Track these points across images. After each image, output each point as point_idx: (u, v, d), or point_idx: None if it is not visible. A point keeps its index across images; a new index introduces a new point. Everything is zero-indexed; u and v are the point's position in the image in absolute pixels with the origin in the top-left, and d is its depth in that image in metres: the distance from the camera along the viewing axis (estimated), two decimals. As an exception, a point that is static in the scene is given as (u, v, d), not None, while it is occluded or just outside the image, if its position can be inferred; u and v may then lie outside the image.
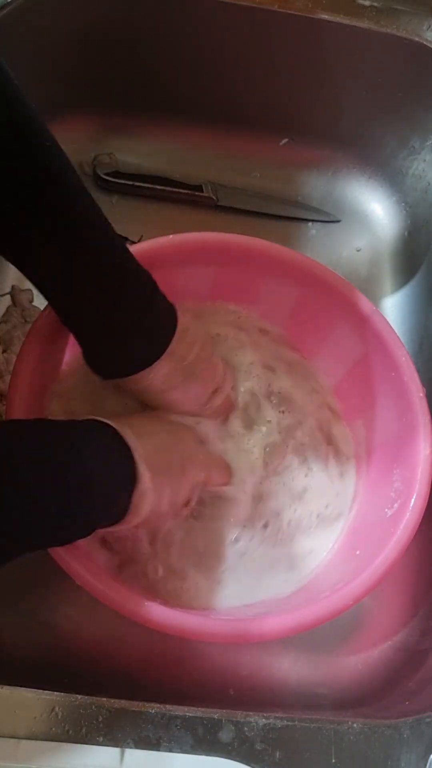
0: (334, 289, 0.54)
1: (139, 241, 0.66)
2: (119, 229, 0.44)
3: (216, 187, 0.73)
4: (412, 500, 0.47)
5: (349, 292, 0.53)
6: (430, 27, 0.64)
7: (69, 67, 0.68)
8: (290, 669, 0.54)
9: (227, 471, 0.53)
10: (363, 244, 0.74)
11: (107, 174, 0.70)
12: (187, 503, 0.49)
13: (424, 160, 0.71)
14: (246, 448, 0.55)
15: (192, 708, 0.42)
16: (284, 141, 0.75)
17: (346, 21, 0.63)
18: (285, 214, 0.74)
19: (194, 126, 0.74)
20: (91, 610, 0.54)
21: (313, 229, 0.74)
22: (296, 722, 0.42)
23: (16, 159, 0.38)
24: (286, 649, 0.55)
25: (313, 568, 0.53)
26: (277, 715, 0.42)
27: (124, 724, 0.41)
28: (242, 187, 0.74)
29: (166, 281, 0.47)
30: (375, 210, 0.75)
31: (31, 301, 0.65)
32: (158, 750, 0.40)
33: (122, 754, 0.40)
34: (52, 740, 0.40)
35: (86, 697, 0.41)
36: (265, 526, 0.53)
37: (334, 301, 0.54)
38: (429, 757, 0.42)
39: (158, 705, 0.41)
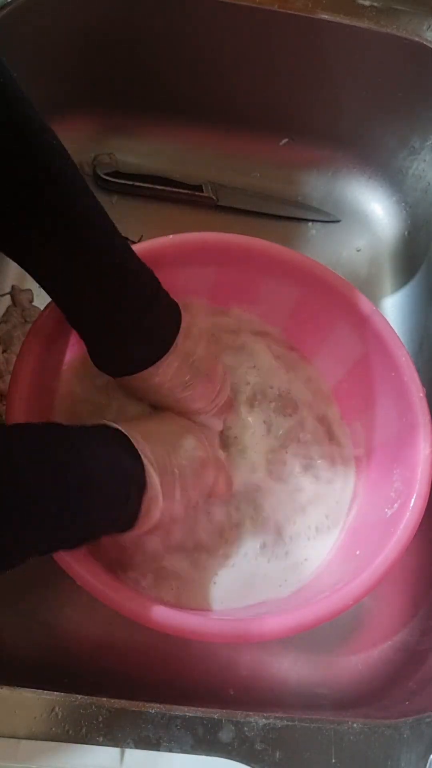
0: (334, 289, 0.54)
1: (139, 241, 0.66)
2: (119, 229, 0.44)
3: (216, 187, 0.73)
4: (412, 500, 0.47)
5: (349, 292, 0.53)
6: (430, 27, 0.64)
7: (69, 67, 0.68)
8: (290, 669, 0.54)
9: (230, 483, 0.53)
10: (363, 244, 0.74)
11: (107, 174, 0.70)
12: (195, 505, 0.49)
13: (424, 160, 0.71)
14: (247, 454, 0.55)
15: (192, 708, 0.42)
16: (284, 141, 0.75)
17: (346, 21, 0.63)
18: (285, 214, 0.74)
19: (194, 126, 0.74)
20: (91, 610, 0.54)
21: (313, 229, 0.74)
22: (296, 722, 0.42)
23: (16, 159, 0.38)
24: (286, 649, 0.55)
25: (312, 569, 0.53)
26: (277, 715, 0.42)
27: (124, 724, 0.41)
28: (242, 187, 0.74)
29: (166, 281, 0.47)
30: (375, 210, 0.75)
31: (31, 301, 0.65)
32: (158, 750, 0.40)
33: (122, 754, 0.40)
34: (52, 740, 0.40)
35: (86, 697, 0.41)
36: (264, 544, 0.53)
37: (334, 301, 0.54)
38: (429, 757, 0.42)
39: (158, 705, 0.41)
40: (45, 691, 0.41)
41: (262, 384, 0.58)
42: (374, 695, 0.53)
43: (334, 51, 0.66)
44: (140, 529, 0.43)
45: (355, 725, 0.42)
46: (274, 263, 0.54)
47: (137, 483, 0.42)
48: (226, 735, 0.41)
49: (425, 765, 0.41)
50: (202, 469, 0.48)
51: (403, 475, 0.50)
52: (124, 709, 0.41)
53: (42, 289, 0.66)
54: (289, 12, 0.62)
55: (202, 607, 0.50)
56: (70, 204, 0.41)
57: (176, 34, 0.66)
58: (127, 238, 0.45)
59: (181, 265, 0.53)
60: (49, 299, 0.50)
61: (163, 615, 0.42)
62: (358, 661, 0.56)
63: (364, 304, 0.53)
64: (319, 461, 0.57)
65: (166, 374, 0.47)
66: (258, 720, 0.42)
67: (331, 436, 0.58)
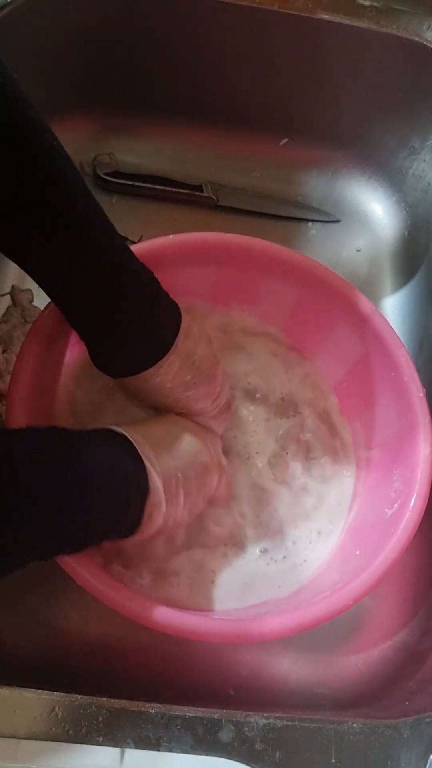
0: (334, 289, 0.54)
1: (139, 241, 0.66)
2: (119, 229, 0.44)
3: (216, 187, 0.73)
4: (412, 500, 0.47)
5: (349, 292, 0.53)
6: (430, 27, 0.64)
7: (69, 67, 0.68)
8: (290, 669, 0.54)
9: (230, 488, 0.53)
10: (363, 244, 0.74)
11: (107, 174, 0.70)
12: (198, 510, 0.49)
13: (424, 160, 0.71)
14: (249, 456, 0.55)
15: (192, 708, 0.42)
16: (284, 141, 0.75)
17: (346, 21, 0.63)
18: (285, 214, 0.74)
19: (194, 126, 0.74)
20: (91, 610, 0.54)
21: (313, 229, 0.74)
22: (296, 722, 0.42)
23: (16, 159, 0.38)
24: (286, 649, 0.55)
25: (312, 569, 0.53)
26: (277, 715, 0.42)
27: (124, 724, 0.41)
28: (242, 187, 0.74)
29: (166, 281, 0.47)
30: (375, 210, 0.75)
31: (31, 301, 0.65)
32: (158, 750, 0.40)
33: (122, 754, 0.40)
34: (52, 740, 0.40)
35: (86, 697, 0.41)
36: (265, 546, 0.53)
37: (334, 301, 0.54)
38: (429, 757, 0.42)
39: (158, 705, 0.41)
40: (45, 691, 0.41)
41: (262, 386, 0.58)
42: (374, 695, 0.53)
43: (334, 51, 0.66)
44: (142, 535, 0.43)
45: (355, 725, 0.42)
46: (274, 263, 0.54)
47: (139, 485, 0.42)
48: (226, 735, 0.41)
49: (425, 765, 0.41)
50: (205, 473, 0.47)
51: (403, 475, 0.50)
52: (124, 709, 0.41)
53: (42, 289, 0.67)
54: (289, 12, 0.62)
55: (202, 607, 0.50)
56: (70, 204, 0.41)
57: (176, 34, 0.66)
58: (126, 238, 0.45)
59: (181, 265, 0.53)
60: (49, 299, 0.50)
61: (162, 615, 0.42)
62: (358, 661, 0.56)
63: (364, 304, 0.53)
64: (320, 462, 0.57)
65: (167, 374, 0.47)
66: (258, 720, 0.42)
67: (332, 436, 0.58)
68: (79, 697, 0.41)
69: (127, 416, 0.53)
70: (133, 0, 0.63)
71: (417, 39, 0.63)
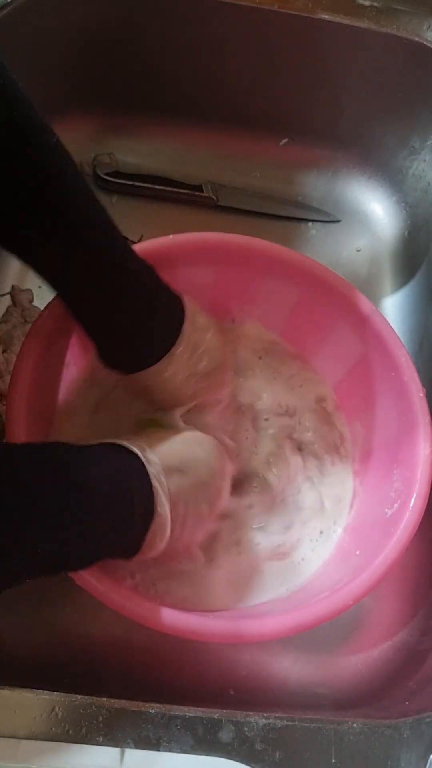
0: (334, 289, 0.54)
1: (139, 241, 0.66)
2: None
3: (216, 187, 0.73)
4: (412, 500, 0.47)
5: (349, 292, 0.53)
6: (430, 27, 0.64)
7: (69, 67, 0.68)
8: (290, 669, 0.54)
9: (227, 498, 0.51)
10: (363, 244, 0.74)
11: (107, 174, 0.70)
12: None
13: (424, 160, 0.71)
14: (250, 458, 0.56)
15: (192, 708, 0.42)
16: (284, 141, 0.75)
17: (346, 21, 0.63)
18: (285, 214, 0.74)
19: (194, 126, 0.74)
20: (91, 610, 0.54)
21: (313, 229, 0.74)
22: (296, 722, 0.42)
23: (16, 159, 0.38)
24: (286, 649, 0.55)
25: (312, 569, 0.53)
26: (277, 715, 0.42)
27: (124, 724, 0.41)
28: (242, 187, 0.74)
29: (166, 281, 0.47)
30: (375, 210, 0.75)
31: (31, 301, 0.65)
32: (158, 750, 0.40)
33: (122, 754, 0.40)
34: (52, 740, 0.40)
35: (86, 697, 0.41)
36: (265, 546, 0.53)
37: (334, 301, 0.54)
38: (429, 757, 0.42)
39: (158, 705, 0.41)
40: (45, 691, 0.41)
41: (261, 391, 0.58)
42: (374, 695, 0.53)
43: (334, 51, 0.66)
44: (144, 556, 0.43)
45: (355, 725, 0.42)
46: (274, 263, 0.54)
47: (145, 506, 0.41)
48: (226, 735, 0.41)
49: (425, 765, 0.41)
50: (218, 498, 0.47)
51: (403, 475, 0.50)
52: (124, 709, 0.41)
53: (42, 289, 0.67)
54: (289, 12, 0.62)
55: (202, 607, 0.50)
56: (69, 204, 0.41)
57: (176, 34, 0.66)
58: (126, 238, 0.45)
59: (181, 265, 0.53)
60: (49, 299, 0.50)
61: (162, 615, 0.42)
62: (358, 661, 0.56)
63: (364, 304, 0.53)
64: (320, 461, 0.57)
65: (179, 364, 0.47)
66: (258, 720, 0.42)
67: (332, 436, 0.58)
68: (79, 697, 0.41)
69: (130, 427, 0.53)
70: (133, 0, 0.63)
71: (417, 39, 0.63)
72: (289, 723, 0.42)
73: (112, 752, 0.40)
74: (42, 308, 0.50)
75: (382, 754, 0.41)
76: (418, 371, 0.51)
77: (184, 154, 0.74)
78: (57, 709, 0.41)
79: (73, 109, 0.71)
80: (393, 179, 0.74)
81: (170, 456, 0.44)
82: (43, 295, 0.65)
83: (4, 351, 0.60)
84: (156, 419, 0.51)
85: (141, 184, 0.71)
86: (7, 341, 0.61)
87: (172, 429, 0.50)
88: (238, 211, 0.73)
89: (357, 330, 0.54)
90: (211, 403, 0.51)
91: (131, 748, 0.40)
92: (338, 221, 0.74)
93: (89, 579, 0.42)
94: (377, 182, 0.75)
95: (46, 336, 0.49)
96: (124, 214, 0.68)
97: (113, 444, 0.42)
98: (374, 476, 0.55)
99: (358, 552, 0.50)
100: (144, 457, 0.42)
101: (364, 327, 0.53)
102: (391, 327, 0.53)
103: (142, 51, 0.68)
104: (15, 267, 0.67)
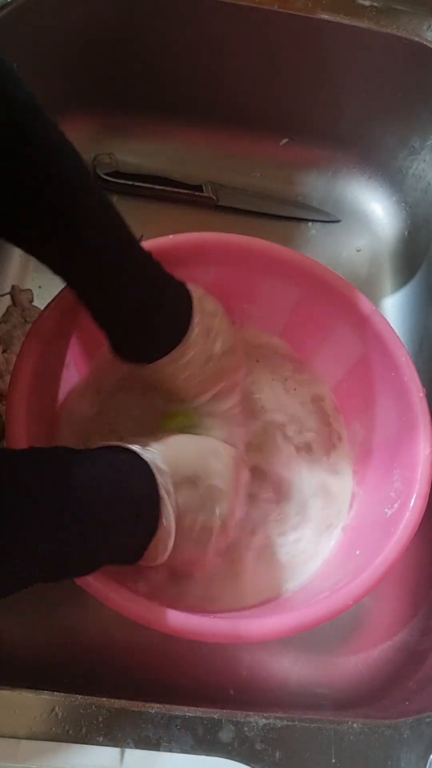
0: (334, 289, 0.54)
1: (139, 241, 0.66)
2: (119, 229, 0.44)
3: (216, 187, 0.73)
4: (412, 500, 0.47)
5: (349, 292, 0.53)
6: (430, 27, 0.64)
7: (69, 67, 0.68)
8: (290, 669, 0.54)
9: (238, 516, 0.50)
10: (363, 244, 0.74)
11: (107, 174, 0.70)
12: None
13: (424, 160, 0.71)
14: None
15: (192, 708, 0.41)
16: (284, 141, 0.75)
17: (346, 21, 0.63)
18: (285, 214, 0.74)
19: (194, 126, 0.74)
20: (91, 610, 0.54)
21: (313, 229, 0.74)
22: (296, 722, 0.42)
23: (16, 159, 0.38)
24: (286, 649, 0.55)
25: (313, 569, 0.53)
26: (277, 715, 0.42)
27: (124, 724, 0.41)
28: (242, 187, 0.74)
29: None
30: (375, 210, 0.75)
31: (31, 301, 0.65)
32: (158, 750, 0.40)
33: (122, 754, 0.40)
34: (52, 740, 0.40)
35: (86, 697, 0.41)
36: (266, 546, 0.53)
37: (334, 301, 0.54)
38: (429, 757, 0.42)
39: (158, 705, 0.41)
40: (45, 691, 0.41)
41: (264, 401, 0.58)
42: (374, 695, 0.53)
43: (334, 51, 0.66)
44: (146, 563, 0.42)
45: (355, 725, 0.42)
46: (274, 263, 0.54)
47: (149, 516, 0.40)
48: (226, 735, 0.41)
49: (425, 765, 0.41)
50: (230, 518, 0.45)
51: (403, 475, 0.50)
52: (124, 709, 0.41)
53: (42, 289, 0.67)
54: (289, 12, 0.62)
55: (202, 607, 0.50)
56: (70, 204, 0.41)
57: (176, 34, 0.66)
58: (132, 233, 0.45)
59: (181, 265, 0.53)
60: (49, 299, 0.50)
61: (162, 615, 0.42)
62: (358, 661, 0.56)
63: (364, 304, 0.53)
64: (320, 461, 0.57)
65: (196, 347, 0.47)
66: (258, 720, 0.42)
67: (331, 436, 0.58)
68: (79, 697, 0.41)
69: (133, 430, 0.53)
70: (133, 0, 0.63)
71: (417, 39, 0.63)
72: (289, 723, 0.42)
73: (112, 752, 0.40)
74: (42, 308, 0.50)
75: (382, 754, 0.41)
76: (418, 371, 0.51)
77: (184, 154, 0.74)
78: (57, 709, 0.41)
79: (73, 109, 0.71)
80: (393, 179, 0.74)
81: (183, 466, 0.43)
82: (43, 295, 0.65)
83: (4, 351, 0.60)
84: (182, 412, 0.50)
85: (141, 184, 0.71)
86: (7, 341, 0.61)
87: (199, 424, 0.49)
88: (238, 211, 0.73)
89: (357, 330, 0.54)
90: (230, 386, 0.50)
91: (131, 748, 0.40)
92: (338, 221, 0.74)
93: (89, 579, 0.42)
94: (377, 182, 0.75)
95: (46, 336, 0.49)
96: (124, 214, 0.68)
97: (120, 447, 0.42)
98: (374, 476, 0.55)
99: (358, 552, 0.50)
100: (154, 465, 0.41)
101: (364, 327, 0.53)
102: (391, 327, 0.53)
103: (142, 51, 0.68)
104: (15, 267, 0.67)
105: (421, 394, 0.50)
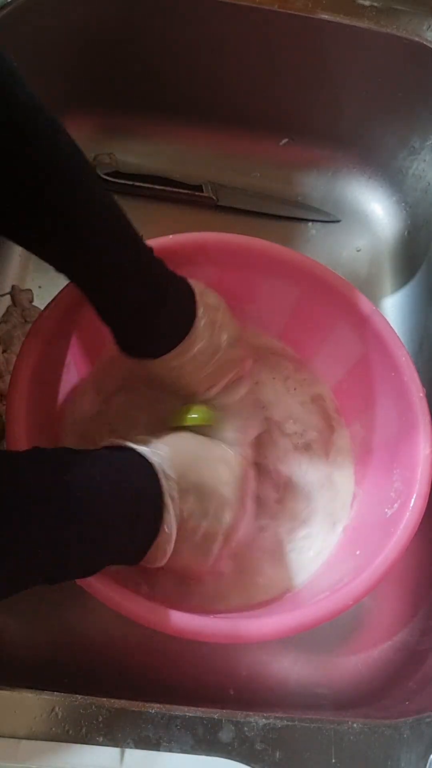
0: (334, 289, 0.54)
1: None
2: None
3: (216, 187, 0.73)
4: (412, 500, 0.47)
5: (349, 292, 0.53)
6: (430, 27, 0.64)
7: (69, 67, 0.68)
8: (290, 669, 0.54)
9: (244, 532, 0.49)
10: (363, 244, 0.74)
11: (107, 174, 0.70)
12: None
13: (424, 160, 0.71)
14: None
15: (192, 708, 0.41)
16: (284, 141, 0.75)
17: (346, 21, 0.63)
18: (285, 214, 0.74)
19: (194, 126, 0.74)
20: (91, 610, 0.54)
21: (313, 229, 0.74)
22: (296, 722, 0.42)
23: (16, 159, 0.38)
24: (286, 649, 0.55)
25: (313, 569, 0.53)
26: (277, 715, 0.42)
27: (124, 724, 0.41)
28: (242, 187, 0.74)
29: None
30: (375, 210, 0.75)
31: (31, 301, 0.65)
32: (158, 750, 0.40)
33: (122, 754, 0.40)
34: (52, 740, 0.40)
35: (86, 697, 0.41)
36: (267, 546, 0.53)
37: (334, 301, 0.54)
38: (429, 757, 0.42)
39: (158, 705, 0.41)
40: (45, 691, 0.41)
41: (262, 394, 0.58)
42: (374, 695, 0.53)
43: (334, 51, 0.66)
44: (147, 565, 0.42)
45: (355, 725, 0.42)
46: (274, 263, 0.54)
47: (151, 521, 0.40)
48: (226, 735, 0.41)
49: (425, 765, 0.41)
50: (232, 532, 0.45)
51: (403, 475, 0.50)
52: (124, 709, 0.41)
53: (42, 289, 0.67)
54: (289, 12, 0.62)
55: (202, 607, 0.50)
56: (70, 204, 0.41)
57: (176, 34, 0.66)
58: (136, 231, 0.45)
59: (181, 265, 0.53)
60: (49, 299, 0.50)
61: (162, 616, 0.42)
62: (358, 661, 0.56)
63: (364, 304, 0.53)
64: (320, 461, 0.57)
65: (203, 340, 0.47)
66: (258, 720, 0.42)
67: (332, 437, 0.58)
68: (79, 697, 0.41)
69: (137, 429, 0.53)
70: (133, 0, 0.63)
71: (417, 39, 0.63)
72: (289, 723, 0.42)
73: (112, 752, 0.40)
74: (42, 308, 0.50)
75: (382, 754, 0.41)
76: (418, 371, 0.51)
77: (184, 154, 0.74)
78: (57, 709, 0.41)
79: (73, 109, 0.71)
80: (393, 179, 0.74)
81: (191, 472, 0.43)
82: (43, 295, 0.65)
83: (4, 351, 0.60)
84: (200, 408, 0.50)
85: (141, 184, 0.71)
86: (7, 341, 0.61)
87: (217, 419, 0.49)
88: (238, 211, 0.73)
89: (357, 330, 0.54)
90: (238, 378, 0.51)
91: (131, 748, 0.40)
92: (338, 221, 0.74)
93: (90, 579, 0.42)
94: (377, 182, 0.75)
95: (46, 336, 0.49)
96: (124, 214, 0.69)
97: (125, 447, 0.42)
98: (374, 476, 0.55)
99: (358, 552, 0.50)
100: (161, 470, 0.41)
101: (364, 327, 0.53)
102: (391, 327, 0.53)
103: (142, 51, 0.68)
104: (15, 267, 0.67)
105: (421, 394, 0.50)
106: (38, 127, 0.39)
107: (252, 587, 0.51)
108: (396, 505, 0.49)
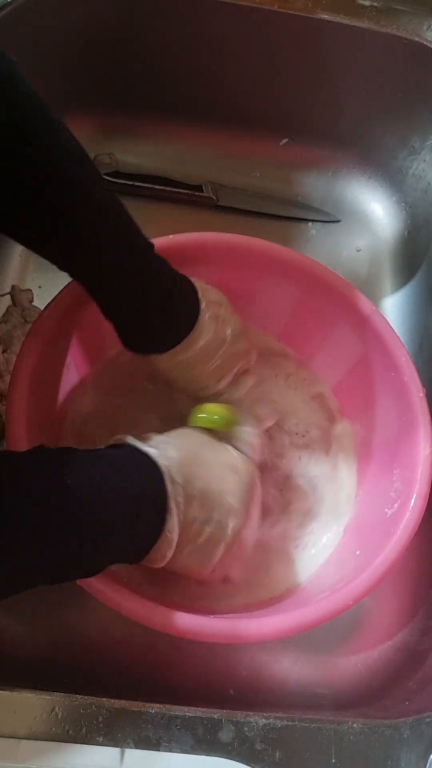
0: (334, 289, 0.54)
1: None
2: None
3: (216, 187, 0.73)
4: (412, 500, 0.47)
5: (349, 292, 0.53)
6: (430, 27, 0.64)
7: (69, 67, 0.68)
8: (290, 669, 0.54)
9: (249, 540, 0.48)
10: (363, 244, 0.74)
11: (107, 174, 0.70)
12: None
13: (424, 160, 0.71)
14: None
15: (192, 708, 0.41)
16: (284, 141, 0.75)
17: (346, 21, 0.63)
18: (285, 214, 0.74)
19: (194, 126, 0.74)
20: (91, 610, 0.54)
21: (313, 229, 0.74)
22: (296, 722, 0.42)
23: (16, 159, 0.38)
24: (286, 649, 0.55)
25: (313, 569, 0.53)
26: (277, 715, 0.42)
27: (124, 724, 0.41)
28: (242, 187, 0.74)
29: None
30: (375, 210, 0.75)
31: (31, 301, 0.65)
32: (158, 750, 0.40)
33: (122, 754, 0.40)
34: (52, 740, 0.40)
35: (86, 697, 0.41)
36: (267, 547, 0.53)
37: (334, 301, 0.54)
38: (429, 757, 0.42)
39: (158, 705, 0.41)
40: (45, 691, 0.41)
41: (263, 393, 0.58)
42: (374, 695, 0.53)
43: (334, 51, 0.66)
44: (148, 565, 0.42)
45: (355, 725, 0.42)
46: (274, 263, 0.54)
47: (153, 525, 0.40)
48: (226, 735, 0.41)
49: (425, 765, 0.41)
50: (235, 540, 0.44)
51: (403, 475, 0.50)
52: (124, 709, 0.41)
53: (42, 289, 0.67)
54: (289, 12, 0.62)
55: (203, 607, 0.50)
56: (70, 204, 0.40)
57: (176, 34, 0.66)
58: (138, 229, 0.45)
59: (181, 265, 0.53)
60: (49, 299, 0.50)
61: (162, 615, 0.42)
62: (358, 661, 0.56)
63: (364, 304, 0.53)
64: (320, 461, 0.57)
65: (209, 333, 0.47)
66: (258, 720, 0.42)
67: (333, 436, 0.58)
68: (79, 697, 0.41)
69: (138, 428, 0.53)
70: (133, 0, 0.63)
71: (417, 39, 0.63)
72: (289, 723, 0.42)
73: (112, 752, 0.40)
74: (42, 308, 0.50)
75: (382, 754, 0.41)
76: (418, 371, 0.51)
77: (184, 154, 0.74)
78: (57, 709, 0.41)
79: (73, 109, 0.71)
80: (393, 179, 0.74)
81: (198, 478, 0.42)
82: (43, 295, 0.65)
83: (4, 351, 0.60)
84: (220, 408, 0.48)
85: (141, 184, 0.71)
86: (7, 341, 0.61)
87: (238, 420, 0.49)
88: (238, 211, 0.73)
89: (357, 330, 0.54)
90: (244, 370, 0.51)
91: (131, 748, 0.40)
92: (338, 221, 0.74)
93: (90, 579, 0.42)
94: (377, 182, 0.75)
95: (46, 336, 0.49)
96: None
97: (130, 447, 0.41)
98: (374, 476, 0.55)
99: (358, 552, 0.50)
100: (168, 475, 0.40)
101: (364, 327, 0.53)
102: (391, 327, 0.53)
103: (142, 51, 0.68)
104: (15, 267, 0.67)
105: (421, 394, 0.50)
106: (38, 127, 0.39)
107: (258, 586, 0.51)
108: (396, 505, 0.49)
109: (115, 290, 0.44)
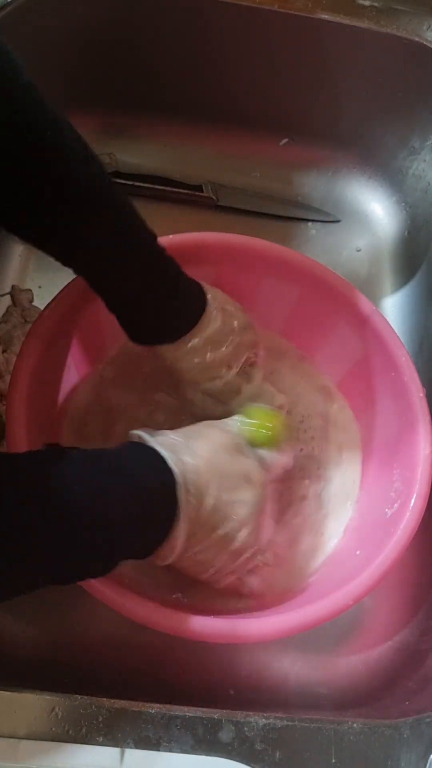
0: (334, 289, 0.54)
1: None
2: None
3: (216, 187, 0.73)
4: (412, 500, 0.47)
5: (349, 292, 0.53)
6: (430, 27, 0.64)
7: (69, 67, 0.68)
8: (290, 669, 0.54)
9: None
10: (363, 244, 0.74)
11: (107, 174, 0.70)
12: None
13: (424, 160, 0.71)
14: None
15: (192, 708, 0.41)
16: (284, 141, 0.75)
17: (346, 21, 0.63)
18: (285, 214, 0.74)
19: (194, 126, 0.74)
20: (91, 610, 0.54)
21: (313, 229, 0.74)
22: (296, 722, 0.42)
23: (16, 159, 0.38)
24: (286, 649, 0.55)
25: (313, 569, 0.53)
26: (277, 715, 0.42)
27: (124, 724, 0.41)
28: (242, 187, 0.74)
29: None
30: (375, 210, 0.75)
31: (31, 301, 0.65)
32: (158, 750, 0.40)
33: (122, 754, 0.40)
34: (52, 740, 0.40)
35: (86, 697, 0.41)
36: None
37: (334, 301, 0.54)
38: (429, 757, 0.42)
39: (158, 705, 0.41)
40: (45, 692, 0.41)
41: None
42: (374, 695, 0.53)
43: (334, 51, 0.66)
44: (155, 561, 0.42)
45: (355, 725, 0.42)
46: (274, 263, 0.54)
47: (161, 526, 0.40)
48: (226, 735, 0.41)
49: (425, 765, 0.41)
50: (243, 547, 0.44)
51: (403, 475, 0.50)
52: (124, 709, 0.41)
53: (42, 289, 0.67)
54: (289, 12, 0.63)
55: (203, 606, 0.50)
56: (69, 204, 0.40)
57: (176, 34, 0.66)
58: (144, 226, 0.45)
59: (181, 265, 0.53)
60: (49, 299, 0.50)
61: (162, 615, 0.42)
62: (358, 661, 0.56)
63: (364, 304, 0.53)
64: (321, 461, 0.57)
65: (216, 322, 0.48)
66: (258, 720, 0.42)
67: (334, 436, 0.58)
68: (79, 697, 0.41)
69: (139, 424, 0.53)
70: (133, 0, 0.63)
71: (417, 39, 0.63)
72: (289, 723, 0.42)
73: (112, 752, 0.40)
74: (42, 308, 0.50)
75: (382, 754, 0.41)
76: (418, 371, 0.51)
77: (184, 154, 0.74)
78: (57, 709, 0.41)
79: (73, 109, 0.71)
80: (393, 179, 0.74)
81: (211, 488, 0.41)
82: (43, 295, 0.65)
83: (4, 351, 0.60)
84: (276, 416, 0.48)
85: (141, 184, 0.71)
86: (7, 341, 0.61)
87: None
88: (238, 211, 0.73)
89: (357, 330, 0.54)
90: (253, 361, 0.51)
91: (131, 748, 0.40)
92: (338, 221, 0.74)
93: (90, 580, 0.42)
94: (377, 182, 0.75)
95: (46, 336, 0.49)
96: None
97: (145, 447, 0.41)
98: (374, 476, 0.55)
99: (358, 552, 0.50)
100: (182, 483, 0.39)
101: (364, 327, 0.53)
102: (391, 327, 0.53)
103: (142, 51, 0.68)
104: (15, 267, 0.67)
105: (421, 394, 0.50)
106: (39, 127, 0.38)
107: (274, 580, 0.51)
108: (396, 505, 0.49)
109: (122, 282, 0.44)
